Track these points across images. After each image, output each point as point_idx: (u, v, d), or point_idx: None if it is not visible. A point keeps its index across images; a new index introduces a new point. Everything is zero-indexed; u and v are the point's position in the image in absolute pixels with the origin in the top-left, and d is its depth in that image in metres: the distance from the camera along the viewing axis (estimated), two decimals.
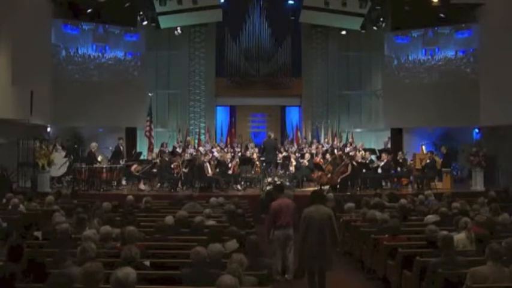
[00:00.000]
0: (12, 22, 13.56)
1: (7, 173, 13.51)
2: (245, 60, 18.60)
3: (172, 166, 14.34)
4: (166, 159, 14.60)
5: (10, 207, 9.13)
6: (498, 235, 6.64)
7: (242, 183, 14.83)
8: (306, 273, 6.57)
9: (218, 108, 19.59)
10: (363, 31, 17.36)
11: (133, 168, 14.74)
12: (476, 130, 16.55)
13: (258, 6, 18.92)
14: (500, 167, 15.45)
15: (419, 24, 17.09)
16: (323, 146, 17.00)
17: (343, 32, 18.18)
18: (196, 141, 18.13)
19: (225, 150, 16.56)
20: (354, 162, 14.22)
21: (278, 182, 12.29)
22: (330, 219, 6.27)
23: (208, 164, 14.40)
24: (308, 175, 14.84)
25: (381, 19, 16.73)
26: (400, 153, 15.61)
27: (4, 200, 9.94)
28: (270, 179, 13.79)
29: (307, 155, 15.25)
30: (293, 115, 19.78)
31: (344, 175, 14.00)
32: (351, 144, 17.25)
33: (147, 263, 5.42)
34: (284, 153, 16.16)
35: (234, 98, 19.28)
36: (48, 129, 16.07)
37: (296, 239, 6.99)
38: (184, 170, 14.36)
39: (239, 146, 17.27)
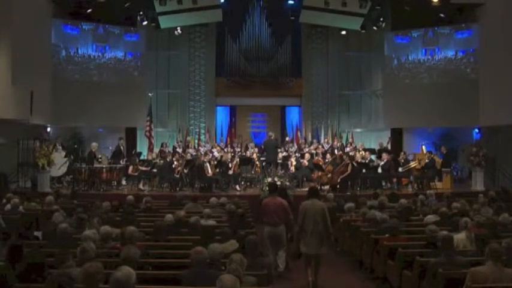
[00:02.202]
0: (12, 22, 13.57)
1: (6, 176, 13.48)
2: (245, 60, 18.59)
3: (174, 166, 14.34)
4: (168, 159, 14.61)
5: (10, 207, 9.13)
6: (498, 235, 6.65)
7: (242, 183, 14.84)
8: (304, 257, 7.16)
9: (218, 108, 19.59)
10: (363, 31, 17.36)
11: (130, 170, 14.75)
12: (476, 130, 16.55)
13: (258, 6, 18.92)
14: (500, 167, 15.45)
15: (419, 24, 17.08)
16: (323, 146, 17.00)
17: (343, 32, 18.17)
18: (196, 141, 18.12)
19: (225, 150, 16.57)
20: (354, 162, 14.22)
21: (278, 182, 12.29)
22: (323, 211, 7.02)
23: (208, 164, 14.40)
24: (308, 175, 14.83)
25: (381, 19, 16.74)
26: (402, 153, 15.61)
27: (4, 200, 9.93)
28: (270, 179, 13.78)
29: (307, 155, 15.24)
30: (293, 115, 19.78)
31: (344, 175, 14.00)
32: (351, 144, 17.25)
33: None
34: (284, 153, 16.16)
35: (234, 98, 19.27)
36: (48, 129, 16.08)
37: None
38: (184, 170, 14.35)
39: (239, 146, 17.27)
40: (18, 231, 6.87)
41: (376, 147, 16.72)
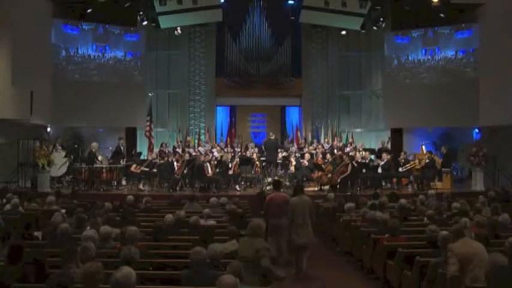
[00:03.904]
0: (12, 22, 13.58)
1: None
2: (245, 60, 18.58)
3: (176, 167, 14.33)
4: (170, 159, 14.60)
5: (9, 207, 9.12)
6: (498, 235, 6.65)
7: (242, 183, 14.84)
8: (293, 248, 7.90)
9: (218, 108, 19.58)
10: (363, 31, 17.37)
11: (132, 168, 14.76)
12: (476, 130, 16.55)
13: (258, 6, 18.91)
14: (500, 167, 15.45)
15: (419, 24, 17.09)
16: (323, 146, 17.00)
17: (343, 32, 18.18)
18: (196, 141, 18.12)
19: (225, 150, 16.56)
20: (354, 162, 14.22)
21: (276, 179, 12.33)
22: (310, 206, 7.92)
23: (208, 164, 14.40)
24: (308, 175, 14.84)
25: (381, 19, 16.75)
26: (402, 153, 15.61)
27: (4, 200, 9.93)
28: (270, 179, 13.78)
29: (307, 155, 15.24)
30: (293, 115, 19.77)
31: (344, 175, 14.00)
32: (350, 144, 17.25)
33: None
34: (284, 153, 16.16)
35: (234, 98, 19.27)
36: (48, 129, 16.07)
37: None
38: (184, 170, 14.35)
39: (239, 146, 17.27)
40: (19, 231, 6.87)
41: (377, 147, 16.73)
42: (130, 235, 5.70)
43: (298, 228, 7.76)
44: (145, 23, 16.53)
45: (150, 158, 14.99)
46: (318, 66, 19.37)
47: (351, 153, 15.38)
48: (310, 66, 19.35)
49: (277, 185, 8.96)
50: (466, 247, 5.27)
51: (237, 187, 14.59)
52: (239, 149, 16.84)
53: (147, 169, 14.43)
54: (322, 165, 14.77)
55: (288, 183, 13.77)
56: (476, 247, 5.31)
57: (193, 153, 15.81)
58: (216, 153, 15.88)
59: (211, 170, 14.41)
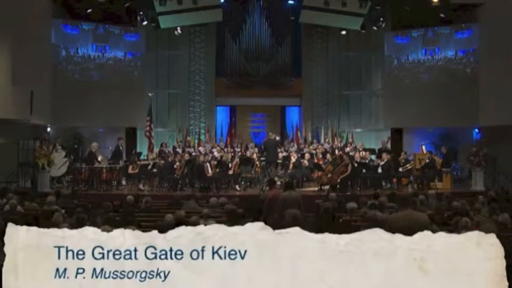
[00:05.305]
0: (12, 22, 13.58)
1: None
2: (245, 60, 18.59)
3: (175, 167, 14.34)
4: (169, 159, 14.60)
5: (8, 207, 9.10)
6: (499, 235, 6.63)
7: (242, 183, 14.84)
8: None
9: (218, 108, 19.58)
10: (363, 31, 17.36)
11: (129, 169, 14.76)
12: (476, 130, 16.55)
13: (258, 6, 18.91)
14: (500, 167, 15.45)
15: (419, 24, 17.10)
16: (323, 146, 16.99)
17: (343, 32, 18.16)
18: (196, 141, 18.12)
19: (225, 150, 16.56)
20: (354, 162, 14.22)
21: (278, 182, 12.37)
22: (298, 200, 8.30)
23: (208, 164, 14.40)
24: (308, 175, 14.83)
25: (381, 19, 16.73)
26: (403, 153, 15.61)
27: (5, 200, 9.91)
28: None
29: (307, 155, 15.24)
30: (293, 115, 19.77)
31: (344, 175, 13.98)
32: (350, 144, 17.25)
33: None
34: (284, 153, 16.16)
35: (234, 98, 19.27)
36: (48, 129, 16.06)
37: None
38: (184, 170, 14.36)
39: (239, 146, 17.27)
40: None
41: (377, 147, 16.73)
42: None
43: (287, 223, 7.99)
44: (145, 23, 16.52)
45: (150, 157, 14.99)
46: (318, 66, 19.35)
47: (351, 153, 15.38)
48: (310, 66, 19.33)
49: (272, 183, 9.57)
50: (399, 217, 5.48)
51: (237, 187, 14.59)
52: (239, 149, 16.83)
53: (144, 162, 14.43)
54: (322, 165, 14.76)
55: None
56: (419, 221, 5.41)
57: (194, 153, 15.81)
58: (216, 153, 15.87)
59: (211, 170, 14.41)
